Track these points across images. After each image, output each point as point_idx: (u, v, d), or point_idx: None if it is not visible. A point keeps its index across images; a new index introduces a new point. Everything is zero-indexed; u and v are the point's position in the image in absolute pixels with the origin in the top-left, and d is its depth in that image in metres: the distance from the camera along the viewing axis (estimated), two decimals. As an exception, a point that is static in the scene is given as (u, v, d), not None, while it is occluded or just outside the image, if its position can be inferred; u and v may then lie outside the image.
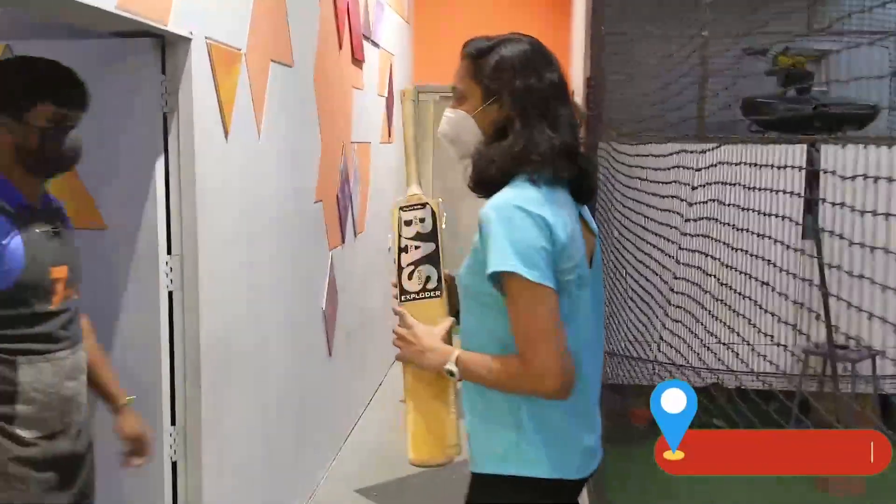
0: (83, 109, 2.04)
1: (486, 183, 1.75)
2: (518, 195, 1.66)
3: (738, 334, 2.35)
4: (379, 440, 4.93)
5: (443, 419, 1.87)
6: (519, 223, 1.62)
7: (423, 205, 1.96)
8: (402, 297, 1.92)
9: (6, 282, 1.91)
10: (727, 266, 2.42)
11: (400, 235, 1.95)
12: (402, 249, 1.94)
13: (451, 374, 1.74)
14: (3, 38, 2.70)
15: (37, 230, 2.00)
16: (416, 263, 1.93)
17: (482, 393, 1.75)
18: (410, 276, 1.92)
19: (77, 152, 2.06)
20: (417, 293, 1.92)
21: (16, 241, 1.93)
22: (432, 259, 1.93)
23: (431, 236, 1.94)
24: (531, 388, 1.66)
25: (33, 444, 1.96)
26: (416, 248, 1.93)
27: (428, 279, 1.91)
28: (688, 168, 2.64)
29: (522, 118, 1.72)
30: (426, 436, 1.87)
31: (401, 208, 1.97)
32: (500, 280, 1.64)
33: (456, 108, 1.82)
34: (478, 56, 1.78)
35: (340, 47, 4.55)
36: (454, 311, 1.93)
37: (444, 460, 1.87)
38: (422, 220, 1.95)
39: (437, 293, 1.91)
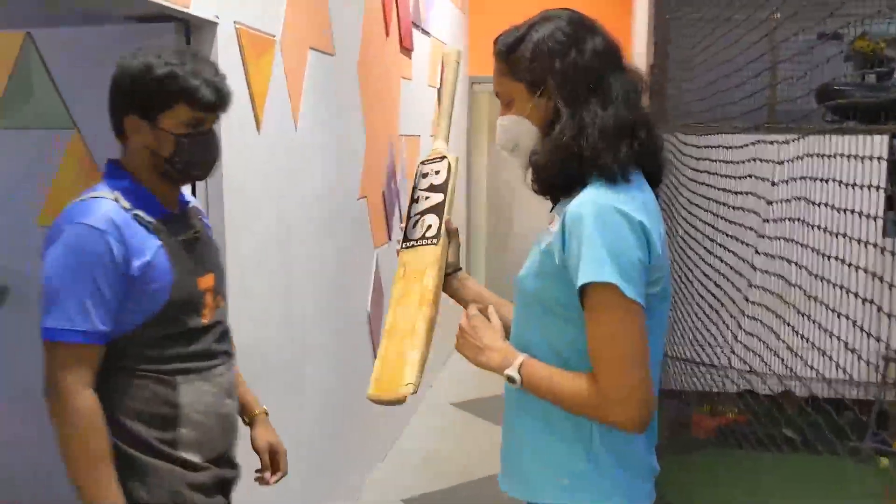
0: (223, 110, 1.81)
1: (548, 183, 1.57)
2: (613, 195, 1.45)
3: (808, 340, 2.09)
4: (427, 447, 4.74)
5: (404, 357, 1.72)
6: (617, 228, 1.41)
7: (442, 158, 1.96)
8: (404, 245, 1.89)
9: (157, 301, 1.72)
10: (804, 268, 2.15)
11: (415, 187, 1.96)
12: (415, 200, 1.94)
13: (511, 380, 1.54)
14: (24, 25, 2.57)
15: (180, 239, 1.80)
16: (423, 213, 1.90)
17: (544, 409, 1.54)
18: (415, 225, 1.90)
19: (215, 157, 1.84)
20: (416, 240, 1.88)
21: (162, 256, 1.73)
22: (437, 209, 1.89)
23: (442, 187, 1.92)
24: (602, 416, 1.46)
25: (203, 468, 1.81)
26: (427, 198, 1.92)
27: (429, 227, 1.87)
28: (766, 161, 2.37)
29: (569, 102, 1.51)
30: (386, 373, 1.73)
31: (422, 162, 1.99)
32: (586, 291, 1.43)
33: (506, 114, 1.62)
34: (509, 51, 1.58)
35: (387, 35, 4.34)
36: (455, 265, 1.88)
37: (395, 398, 1.68)
38: (437, 172, 1.94)
39: (435, 241, 1.84)
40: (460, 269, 1.90)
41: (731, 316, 2.91)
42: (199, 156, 1.79)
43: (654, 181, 1.60)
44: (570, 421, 1.52)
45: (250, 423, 2.10)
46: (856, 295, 1.83)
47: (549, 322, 1.54)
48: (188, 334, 1.78)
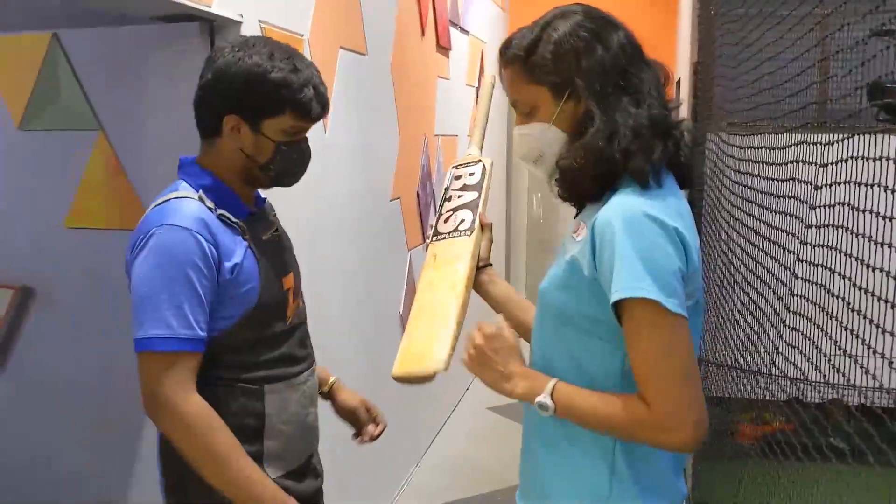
0: (321, 118, 1.74)
1: (577, 189, 1.47)
2: (645, 200, 1.34)
3: (849, 355, 1.98)
4: (462, 453, 4.67)
5: (435, 335, 1.63)
6: (651, 236, 1.30)
7: (477, 161, 1.96)
8: (433, 238, 1.86)
9: (246, 304, 1.65)
10: (847, 279, 2.04)
11: (447, 188, 1.94)
12: (447, 199, 1.92)
13: (544, 408, 1.41)
14: (49, 26, 2.56)
15: (263, 238, 1.73)
16: (455, 209, 1.88)
17: (564, 426, 1.44)
18: (447, 221, 1.87)
19: (307, 166, 1.78)
20: (448, 233, 1.84)
21: (250, 258, 1.67)
22: (471, 205, 1.87)
23: (476, 187, 1.91)
24: (655, 439, 1.34)
25: (283, 488, 1.71)
26: (459, 196, 1.91)
27: (462, 221, 1.85)
28: (809, 163, 2.26)
29: (601, 102, 1.40)
30: (414, 351, 1.64)
31: (455, 166, 1.99)
32: (623, 307, 1.32)
33: (527, 123, 1.50)
34: (528, 54, 1.46)
35: (423, 34, 4.27)
36: (486, 260, 1.83)
37: (423, 374, 1.58)
38: (471, 175, 1.93)
39: (468, 233, 1.81)
40: (490, 264, 1.82)
41: (772, 325, 2.80)
42: (294, 165, 1.73)
43: (684, 183, 1.50)
44: (593, 441, 1.43)
45: (330, 393, 2.03)
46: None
47: (575, 338, 1.43)
48: (273, 338, 1.72)
